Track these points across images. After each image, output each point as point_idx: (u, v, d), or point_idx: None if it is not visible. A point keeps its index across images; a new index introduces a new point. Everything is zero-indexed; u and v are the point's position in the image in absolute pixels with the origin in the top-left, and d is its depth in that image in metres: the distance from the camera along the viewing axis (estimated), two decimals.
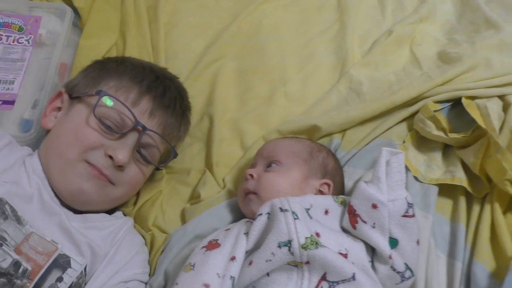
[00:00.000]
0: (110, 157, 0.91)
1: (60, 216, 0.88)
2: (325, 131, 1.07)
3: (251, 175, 0.93)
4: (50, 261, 0.82)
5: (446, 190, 0.99)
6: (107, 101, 0.93)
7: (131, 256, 0.93)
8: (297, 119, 1.09)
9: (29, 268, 0.80)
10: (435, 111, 1.02)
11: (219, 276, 0.76)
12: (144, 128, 0.94)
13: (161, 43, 1.25)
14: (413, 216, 0.82)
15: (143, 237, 1.00)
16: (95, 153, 0.91)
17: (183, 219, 1.01)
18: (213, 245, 0.83)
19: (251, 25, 1.29)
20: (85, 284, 0.87)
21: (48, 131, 0.98)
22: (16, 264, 0.79)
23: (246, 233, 0.83)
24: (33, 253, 0.81)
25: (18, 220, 0.82)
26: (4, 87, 1.06)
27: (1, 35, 1.12)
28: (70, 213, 0.91)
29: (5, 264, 0.77)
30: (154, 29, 1.27)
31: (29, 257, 0.80)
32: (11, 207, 0.82)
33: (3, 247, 0.78)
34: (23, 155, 0.94)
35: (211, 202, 1.00)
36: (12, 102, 1.05)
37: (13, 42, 1.12)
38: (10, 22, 1.14)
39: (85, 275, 0.87)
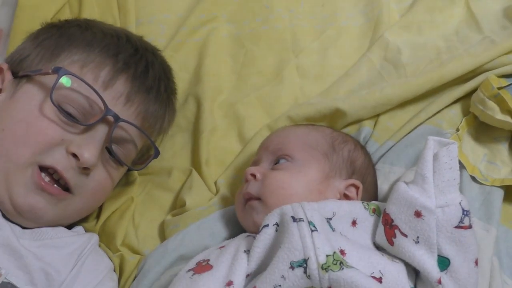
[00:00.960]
0: (74, 155, 0.90)
1: (4, 233, 0.89)
2: (352, 117, 1.09)
3: (253, 175, 0.94)
4: None
5: None
6: (68, 82, 0.92)
7: (94, 285, 0.94)
8: (314, 102, 1.11)
9: None
10: (500, 88, 1.03)
11: None
12: (117, 118, 0.93)
13: (130, 1, 1.24)
14: (470, 227, 0.82)
15: (110, 259, 1.01)
16: (54, 151, 0.91)
17: (163, 235, 1.03)
18: (203, 267, 0.84)
19: None
20: None
21: None
22: None
23: (247, 251, 0.84)
24: None
25: None
26: None
27: None
28: (18, 228, 0.92)
29: None
30: None
31: None
32: None
33: None
34: None
35: (200, 213, 1.01)
36: None
37: None
38: None
39: None
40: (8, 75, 0.98)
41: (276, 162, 0.96)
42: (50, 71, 0.93)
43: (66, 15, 1.24)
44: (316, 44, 1.23)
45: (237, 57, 1.22)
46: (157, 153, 1.03)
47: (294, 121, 1.09)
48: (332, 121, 1.10)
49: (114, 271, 1.01)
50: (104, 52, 0.98)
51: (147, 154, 1.06)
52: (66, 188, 0.93)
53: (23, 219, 0.93)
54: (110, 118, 0.93)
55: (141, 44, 1.06)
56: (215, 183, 1.08)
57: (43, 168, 0.90)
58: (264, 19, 1.25)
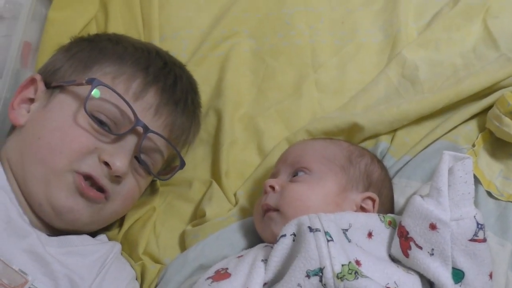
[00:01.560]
0: (106, 163, 0.93)
1: (31, 240, 0.90)
2: (370, 132, 1.10)
3: (272, 187, 0.96)
4: None
5: None
6: (97, 94, 0.94)
7: None
8: (332, 116, 1.12)
9: None
10: None
11: None
12: (147, 129, 0.96)
13: (155, 17, 1.27)
14: (484, 240, 0.83)
15: (132, 268, 1.03)
16: (88, 159, 0.94)
17: (183, 245, 1.04)
18: (221, 275, 0.86)
19: None
20: None
21: (14, 127, 1.01)
22: None
23: (265, 260, 0.86)
24: None
25: None
26: None
27: None
28: (44, 235, 0.93)
29: None
30: (146, 1, 1.29)
31: None
32: None
33: None
34: None
35: (219, 223, 1.03)
36: None
37: None
38: None
39: None
40: (41, 86, 1.00)
41: (295, 174, 0.97)
42: (84, 81, 0.95)
43: (93, 29, 1.26)
44: (335, 59, 1.24)
45: (258, 71, 1.23)
46: (182, 164, 1.05)
47: (312, 135, 1.11)
48: (350, 135, 1.11)
49: (136, 279, 1.02)
50: (135, 65, 1.01)
51: (172, 164, 1.08)
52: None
53: (60, 222, 0.95)
54: (140, 129, 0.96)
55: (169, 58, 1.09)
56: (235, 195, 1.09)
57: (80, 174, 0.93)
58: (284, 35, 1.26)
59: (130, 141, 0.97)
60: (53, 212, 0.94)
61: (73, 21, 1.24)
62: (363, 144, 1.12)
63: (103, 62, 1.01)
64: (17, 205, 0.93)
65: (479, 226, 0.83)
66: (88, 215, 0.96)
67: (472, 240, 0.83)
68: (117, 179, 0.96)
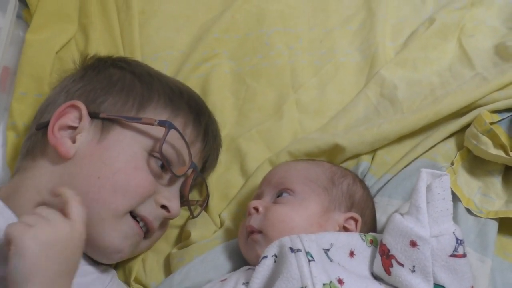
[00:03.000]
0: (164, 208, 0.98)
1: None
2: (351, 152, 1.12)
3: (256, 209, 0.98)
4: None
5: (509, 226, 1.04)
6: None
7: None
8: (313, 137, 1.15)
9: None
10: (492, 123, 1.07)
11: None
12: (198, 173, 1.04)
13: (135, 38, 1.29)
14: (464, 255, 0.85)
15: None
16: (147, 203, 0.98)
17: (169, 268, 1.06)
18: None
19: (250, 14, 1.34)
20: None
21: (33, 153, 1.01)
22: None
23: (246, 283, 0.88)
24: None
25: None
26: None
27: None
28: None
29: None
30: (125, 20, 1.31)
31: None
32: None
33: None
34: None
35: (204, 246, 1.05)
36: None
37: None
38: None
39: None
40: (85, 115, 0.99)
41: (278, 195, 1.00)
42: (155, 122, 0.97)
43: (73, 49, 1.28)
44: (315, 79, 1.27)
45: (239, 93, 1.26)
46: (208, 196, 1.12)
47: (294, 156, 1.13)
48: (331, 156, 1.13)
49: None
50: (187, 111, 1.06)
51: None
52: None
53: (101, 256, 0.99)
54: (190, 172, 1.02)
55: (202, 101, 1.15)
56: (219, 216, 1.12)
57: (135, 215, 0.97)
58: (264, 55, 1.29)
59: (179, 182, 1.02)
60: (98, 248, 0.96)
61: (51, 42, 1.26)
62: (345, 164, 1.14)
63: (156, 101, 1.04)
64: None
65: (459, 241, 0.85)
66: (130, 253, 1.00)
67: (452, 255, 0.85)
68: (166, 221, 1.02)
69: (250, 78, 1.28)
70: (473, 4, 1.33)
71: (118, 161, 0.97)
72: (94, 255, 0.98)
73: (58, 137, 0.98)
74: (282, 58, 1.30)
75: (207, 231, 1.10)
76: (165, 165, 0.98)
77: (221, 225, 1.11)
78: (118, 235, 0.95)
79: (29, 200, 0.95)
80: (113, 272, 1.05)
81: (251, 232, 0.98)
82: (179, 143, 1.00)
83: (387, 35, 1.32)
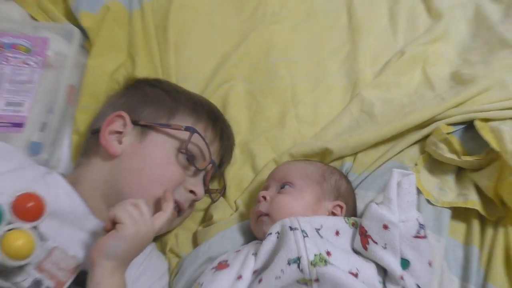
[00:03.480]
0: (192, 192, 1.00)
1: (86, 232, 0.92)
2: (337, 154, 1.12)
3: (264, 197, 0.99)
4: (71, 279, 0.86)
5: (459, 213, 1.05)
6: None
7: (155, 280, 0.99)
8: (308, 142, 1.15)
9: (51, 286, 0.83)
10: (448, 133, 1.07)
11: None
12: (216, 167, 1.05)
13: (171, 64, 1.29)
14: (425, 237, 0.86)
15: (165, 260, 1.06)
16: (178, 189, 0.99)
17: (195, 242, 1.07)
18: (222, 265, 0.91)
19: (260, 46, 1.34)
20: None
21: (89, 153, 1.02)
22: (38, 283, 0.82)
23: (255, 254, 0.90)
24: (55, 270, 0.84)
25: (41, 236, 0.83)
26: (13, 109, 1.10)
27: (9, 56, 1.16)
28: (98, 222, 0.94)
29: (26, 284, 0.81)
30: (164, 50, 1.32)
31: (52, 274, 0.84)
32: None
33: (24, 266, 0.80)
34: (40, 174, 0.95)
35: (223, 225, 1.05)
36: (21, 125, 1.08)
37: (21, 63, 1.16)
38: (17, 43, 1.18)
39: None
40: (128, 122, 1.01)
41: (281, 187, 1.00)
42: (182, 128, 0.99)
43: (122, 73, 1.28)
44: (310, 98, 1.27)
45: (250, 107, 1.26)
46: (225, 187, 1.13)
47: (294, 157, 1.14)
48: (323, 157, 1.14)
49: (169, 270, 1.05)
50: (207, 118, 1.06)
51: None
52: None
53: None
54: (211, 166, 1.03)
55: (219, 111, 1.16)
56: (235, 203, 1.12)
57: None
58: (271, 79, 1.29)
59: (202, 173, 1.03)
60: None
61: (106, 66, 1.26)
62: (333, 164, 1.14)
63: (182, 110, 1.05)
64: (79, 201, 0.95)
65: (421, 226, 0.86)
66: (166, 228, 1.02)
67: (415, 237, 0.86)
68: (193, 203, 1.03)
69: (260, 96, 1.28)
70: (434, 41, 1.32)
71: (155, 157, 0.99)
72: None
73: (108, 140, 1.00)
74: (285, 81, 1.29)
75: (225, 214, 1.10)
76: (190, 160, 1.00)
77: (236, 209, 1.11)
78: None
79: (88, 187, 0.98)
80: (152, 244, 1.06)
81: (260, 215, 0.99)
82: (201, 143, 1.02)
83: (367, 63, 1.31)
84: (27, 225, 0.81)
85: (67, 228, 0.90)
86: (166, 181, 0.97)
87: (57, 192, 0.93)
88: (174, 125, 1.00)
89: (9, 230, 0.79)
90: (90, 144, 1.05)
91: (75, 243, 0.90)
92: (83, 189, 0.97)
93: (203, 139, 1.01)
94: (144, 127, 1.01)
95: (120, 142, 1.00)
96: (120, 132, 1.01)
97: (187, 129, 0.99)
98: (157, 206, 0.96)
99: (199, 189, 1.02)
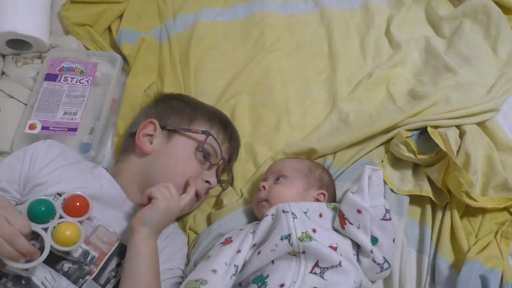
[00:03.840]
0: (207, 182, 0.97)
1: (123, 213, 0.90)
2: (321, 153, 1.09)
3: (263, 187, 0.96)
4: (112, 249, 0.84)
5: (416, 199, 1.02)
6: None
7: (176, 250, 0.96)
8: (298, 143, 1.11)
9: (96, 256, 0.82)
10: (407, 137, 1.05)
11: (226, 264, 0.82)
12: (226, 163, 1.02)
13: (192, 83, 1.26)
14: (390, 219, 0.85)
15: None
16: (197, 180, 0.95)
17: (209, 222, 1.04)
18: (227, 241, 0.88)
19: (261, 69, 1.30)
20: None
21: (128, 152, 0.99)
22: (85, 254, 0.81)
23: (253, 232, 0.87)
24: (99, 243, 0.83)
25: (88, 217, 0.83)
26: (69, 118, 1.09)
27: (67, 77, 1.15)
28: (132, 205, 0.93)
29: (77, 254, 0.80)
30: (186, 72, 1.29)
31: (96, 246, 0.83)
32: None
33: None
34: (88, 167, 0.94)
35: (231, 208, 1.02)
36: (75, 129, 1.07)
37: (76, 82, 1.15)
38: (74, 67, 1.18)
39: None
40: (158, 127, 0.99)
41: (277, 179, 0.97)
42: (200, 132, 0.97)
43: (153, 89, 1.25)
44: (299, 109, 1.23)
45: (253, 116, 1.22)
46: (232, 178, 1.08)
47: (286, 155, 1.10)
48: (309, 155, 1.10)
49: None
50: (219, 124, 1.03)
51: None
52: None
53: None
54: (222, 162, 1.00)
55: (227, 117, 1.12)
56: (240, 190, 1.08)
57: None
58: (269, 94, 1.25)
59: (215, 168, 0.99)
60: None
61: (141, 84, 1.24)
62: (317, 161, 1.11)
63: (200, 117, 1.02)
64: (118, 189, 0.93)
65: (387, 211, 0.85)
66: (188, 210, 0.99)
67: (382, 219, 0.84)
68: (208, 191, 1.01)
69: (260, 108, 1.24)
70: (395, 65, 1.29)
71: (178, 155, 0.96)
72: None
73: (142, 141, 0.97)
74: (280, 96, 1.26)
75: (233, 199, 1.06)
76: (206, 157, 0.97)
77: (241, 196, 1.07)
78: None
79: (126, 178, 0.96)
80: (175, 224, 1.03)
81: (260, 200, 0.96)
82: (215, 144, 0.99)
83: (344, 83, 1.27)
84: (75, 220, 0.81)
85: (109, 210, 0.89)
86: (187, 173, 0.94)
87: (102, 181, 0.92)
88: (193, 129, 0.98)
89: (60, 223, 0.78)
90: (128, 144, 1.02)
91: (115, 222, 0.88)
92: (122, 179, 0.95)
93: (216, 140, 0.99)
94: (170, 131, 0.99)
95: (151, 143, 0.97)
96: (151, 135, 0.98)
97: (203, 132, 0.97)
98: (180, 192, 0.93)
99: (213, 180, 0.98)
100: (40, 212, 0.76)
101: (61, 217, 0.79)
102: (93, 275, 0.81)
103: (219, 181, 1.05)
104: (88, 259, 0.81)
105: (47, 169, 0.87)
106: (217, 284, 0.78)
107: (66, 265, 0.79)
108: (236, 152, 1.10)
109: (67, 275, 0.78)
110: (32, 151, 0.89)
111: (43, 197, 0.79)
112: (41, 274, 0.76)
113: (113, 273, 0.84)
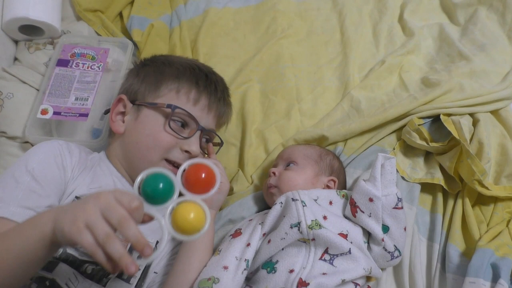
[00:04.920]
0: (186, 151, 0.87)
1: None
2: (332, 140, 1.08)
3: (274, 173, 0.95)
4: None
5: (427, 187, 1.01)
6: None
7: None
8: (309, 130, 1.10)
9: None
10: (419, 125, 1.03)
11: (236, 259, 0.81)
12: (204, 129, 0.90)
13: None
14: (402, 208, 0.84)
15: None
16: (173, 151, 0.87)
17: (220, 208, 1.01)
18: (237, 233, 0.87)
19: (271, 55, 1.29)
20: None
21: (113, 133, 0.92)
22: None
23: (261, 223, 0.85)
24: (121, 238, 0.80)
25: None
26: (81, 103, 1.08)
27: (79, 63, 1.14)
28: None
29: None
30: (196, 58, 1.26)
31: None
32: None
33: None
34: (95, 163, 0.89)
35: (241, 195, 1.02)
36: (86, 115, 1.06)
37: (88, 68, 1.14)
38: (85, 52, 1.17)
39: (155, 249, 0.85)
40: (128, 103, 0.91)
41: (287, 165, 0.96)
42: (165, 106, 0.87)
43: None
44: (311, 96, 1.21)
45: (264, 103, 1.21)
46: (222, 143, 0.98)
47: (297, 141, 1.09)
48: (320, 142, 1.09)
49: None
50: (189, 81, 0.92)
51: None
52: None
53: None
54: (201, 128, 0.90)
55: (207, 69, 0.99)
56: (251, 177, 1.07)
57: (169, 161, 0.87)
58: (280, 81, 1.23)
59: (197, 134, 0.89)
60: None
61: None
62: (328, 148, 1.09)
63: (167, 82, 0.91)
64: (127, 185, 0.89)
65: (399, 199, 0.83)
66: None
67: (394, 208, 0.83)
68: (213, 151, 0.96)
69: (271, 94, 1.22)
70: (408, 53, 1.26)
71: (147, 129, 0.87)
72: None
73: (114, 121, 0.91)
74: (291, 83, 1.24)
75: (243, 186, 1.05)
76: (179, 129, 0.88)
77: (252, 182, 1.06)
78: None
79: (117, 166, 0.90)
80: None
81: (270, 187, 0.94)
82: (186, 114, 0.88)
83: (355, 70, 1.25)
84: (198, 198, 0.60)
85: None
86: (159, 146, 0.86)
87: (113, 178, 0.88)
88: (159, 103, 0.88)
89: (180, 203, 0.59)
90: (108, 127, 0.97)
91: None
92: (117, 166, 0.90)
93: (186, 111, 0.88)
94: (139, 106, 0.90)
95: (123, 121, 0.91)
96: (123, 113, 0.92)
97: (168, 106, 0.86)
98: (166, 166, 0.87)
99: (194, 148, 0.87)
100: (157, 191, 0.58)
101: (181, 194, 0.60)
102: (116, 273, 0.75)
103: (204, 150, 0.95)
104: None
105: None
106: (229, 282, 0.77)
107: (90, 267, 0.75)
108: (223, 106, 0.98)
109: (90, 276, 0.75)
110: (60, 156, 0.82)
111: (158, 171, 0.60)
112: (65, 276, 0.72)
113: None
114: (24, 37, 1.19)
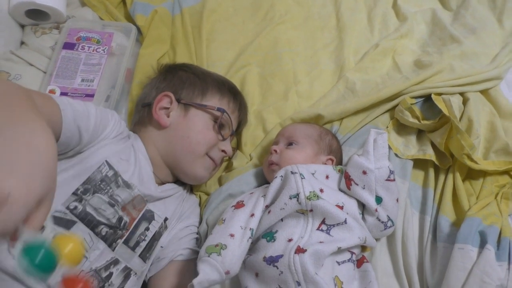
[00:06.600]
0: (223, 151, 0.98)
1: (152, 185, 0.92)
2: (327, 119, 1.09)
3: (275, 150, 0.96)
4: (140, 214, 0.86)
5: (419, 163, 1.02)
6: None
7: (192, 210, 0.99)
8: (306, 110, 1.11)
9: (127, 221, 0.84)
10: (411, 104, 1.05)
11: (241, 228, 0.82)
12: (234, 134, 1.04)
13: (203, 54, 1.26)
14: (394, 180, 0.85)
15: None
16: (214, 149, 0.97)
17: (220, 183, 1.05)
18: (240, 205, 0.88)
19: (269, 40, 1.30)
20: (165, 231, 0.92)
21: (148, 123, 0.98)
22: (120, 219, 0.83)
23: (263, 196, 0.87)
24: (131, 209, 0.85)
25: (128, 186, 0.85)
26: (87, 84, 1.10)
27: (84, 46, 1.16)
28: (156, 185, 0.94)
29: (114, 220, 0.81)
30: (198, 43, 1.29)
31: (129, 212, 0.84)
32: (122, 179, 0.85)
33: (115, 207, 0.82)
34: (131, 141, 0.94)
35: (240, 171, 1.03)
36: (92, 95, 1.08)
37: (93, 51, 1.16)
38: (91, 36, 1.18)
39: (165, 227, 0.92)
40: (174, 100, 0.97)
41: (289, 144, 0.97)
42: (215, 108, 0.97)
43: (166, 59, 1.25)
44: (307, 79, 1.22)
45: (262, 86, 1.22)
46: (238, 145, 1.10)
47: (294, 120, 1.10)
48: (316, 121, 1.10)
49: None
50: (229, 93, 1.03)
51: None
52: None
53: (191, 181, 1.01)
54: (233, 133, 1.01)
55: (237, 88, 1.10)
56: (250, 155, 1.09)
57: (209, 157, 0.97)
58: (277, 65, 1.25)
59: (229, 138, 1.01)
60: (193, 178, 0.99)
61: (153, 55, 1.23)
62: (324, 126, 1.10)
63: (211, 89, 1.00)
64: (150, 170, 0.94)
65: (391, 172, 0.85)
66: (208, 178, 1.02)
67: (387, 180, 0.85)
68: (223, 159, 1.02)
69: (269, 77, 1.23)
70: (401, 37, 1.27)
71: (197, 126, 0.95)
72: (189, 181, 1.01)
73: (159, 114, 0.96)
74: (288, 66, 1.25)
75: (242, 162, 1.07)
76: (220, 129, 0.98)
77: (250, 159, 1.08)
78: (203, 167, 0.97)
79: (152, 151, 0.95)
80: (188, 187, 1.05)
81: (271, 164, 0.96)
82: (228, 118, 0.99)
83: (350, 54, 1.26)
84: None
85: (140, 182, 0.89)
86: (207, 143, 0.95)
87: (140, 157, 0.92)
88: (209, 105, 0.97)
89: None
90: (142, 115, 1.01)
91: (146, 191, 0.90)
92: (148, 151, 0.95)
93: (229, 115, 0.99)
94: (186, 105, 0.97)
95: (168, 116, 0.96)
96: (167, 108, 0.97)
97: (219, 109, 0.97)
98: (201, 162, 0.96)
99: (228, 148, 1.00)
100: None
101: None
102: (123, 239, 0.82)
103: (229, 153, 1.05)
104: (122, 224, 0.83)
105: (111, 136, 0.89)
106: (236, 248, 0.78)
107: (104, 229, 0.80)
108: (246, 118, 1.11)
109: (104, 238, 0.79)
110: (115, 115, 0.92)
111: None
112: (81, 236, 0.76)
113: (142, 237, 0.86)
114: (31, 22, 1.20)
